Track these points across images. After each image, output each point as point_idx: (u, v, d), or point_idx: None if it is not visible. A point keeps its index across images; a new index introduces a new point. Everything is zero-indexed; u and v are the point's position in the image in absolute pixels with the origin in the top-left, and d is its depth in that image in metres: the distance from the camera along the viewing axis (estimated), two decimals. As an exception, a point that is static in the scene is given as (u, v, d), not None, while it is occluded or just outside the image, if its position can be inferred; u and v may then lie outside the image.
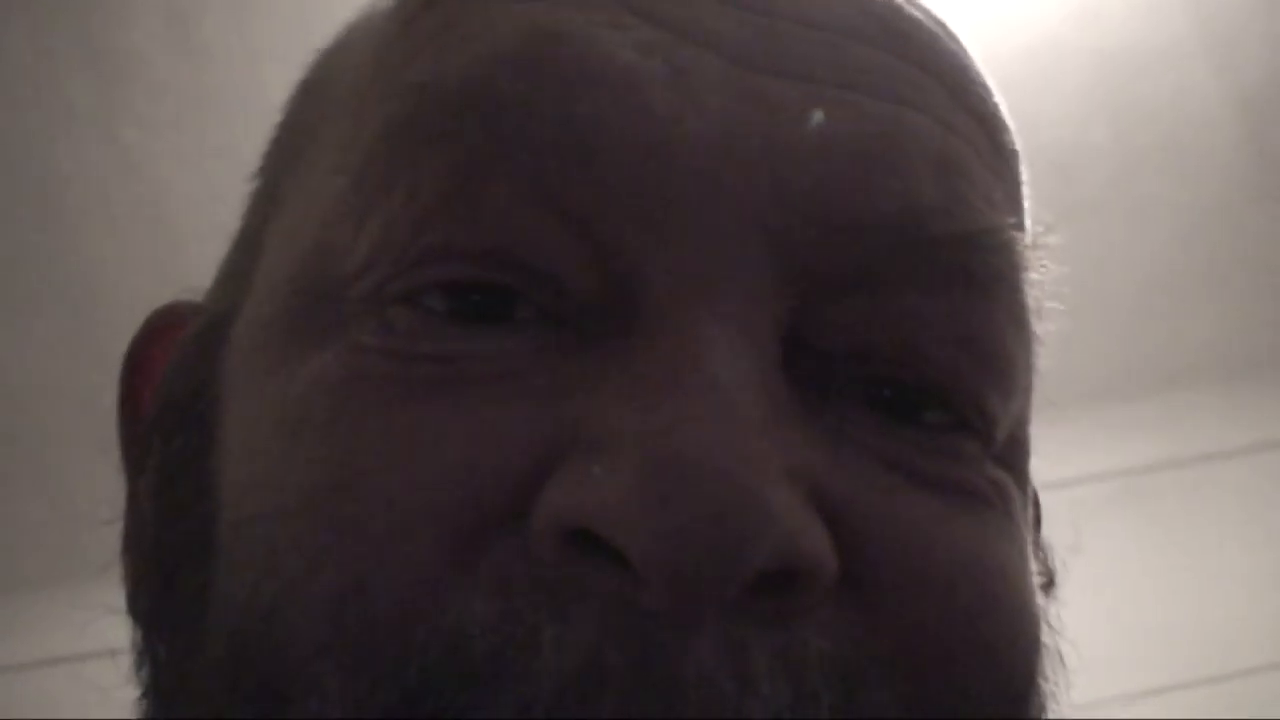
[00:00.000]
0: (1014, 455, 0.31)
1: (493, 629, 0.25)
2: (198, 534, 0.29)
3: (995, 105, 0.32)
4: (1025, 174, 0.33)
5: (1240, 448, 1.94)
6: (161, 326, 0.37)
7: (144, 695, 0.32)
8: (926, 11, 0.32)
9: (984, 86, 0.32)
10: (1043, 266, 0.31)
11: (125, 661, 0.32)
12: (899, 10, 0.31)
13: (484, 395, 0.27)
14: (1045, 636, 0.30)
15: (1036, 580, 0.31)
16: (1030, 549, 0.31)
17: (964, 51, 0.32)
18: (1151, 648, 1.77)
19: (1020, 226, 0.31)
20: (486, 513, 0.26)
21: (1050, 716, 0.30)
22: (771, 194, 0.27)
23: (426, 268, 0.28)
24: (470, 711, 0.24)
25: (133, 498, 0.35)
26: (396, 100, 0.30)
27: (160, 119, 1.49)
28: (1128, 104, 1.66)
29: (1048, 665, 0.30)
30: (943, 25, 0.32)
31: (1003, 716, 0.28)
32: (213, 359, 0.32)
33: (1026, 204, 0.33)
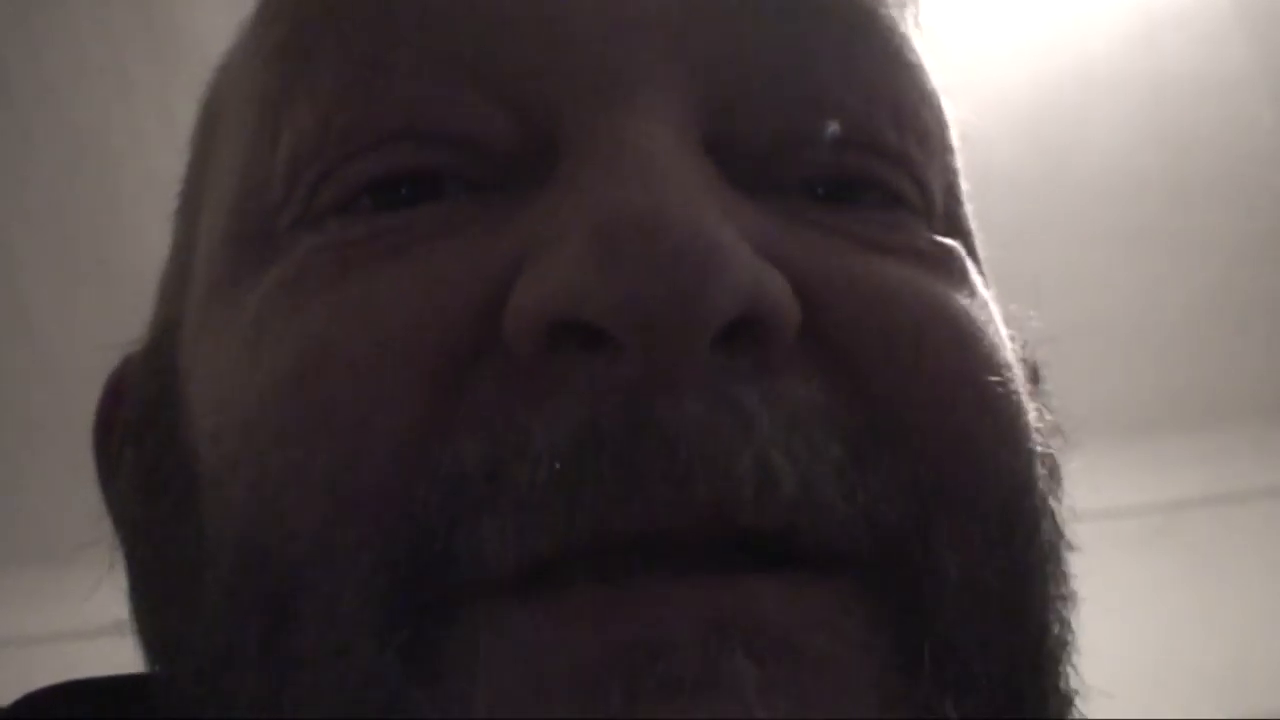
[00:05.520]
0: (956, 228, 0.32)
1: (487, 454, 0.24)
2: (181, 506, 0.29)
3: None
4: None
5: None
6: (121, 380, 0.36)
7: (147, 650, 0.31)
8: None
9: None
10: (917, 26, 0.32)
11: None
12: None
13: (428, 249, 0.27)
14: (1029, 410, 0.29)
15: (1014, 353, 0.30)
16: (997, 314, 0.31)
17: None
18: (1183, 684, 1.75)
19: None
20: (454, 349, 0.26)
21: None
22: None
23: (346, 166, 0.28)
24: (478, 533, 0.24)
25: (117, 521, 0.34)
26: (280, 22, 0.30)
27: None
28: (1181, 132, 1.64)
29: (1036, 444, 0.29)
30: None
31: (1004, 462, 0.27)
32: (168, 360, 0.32)
33: None
